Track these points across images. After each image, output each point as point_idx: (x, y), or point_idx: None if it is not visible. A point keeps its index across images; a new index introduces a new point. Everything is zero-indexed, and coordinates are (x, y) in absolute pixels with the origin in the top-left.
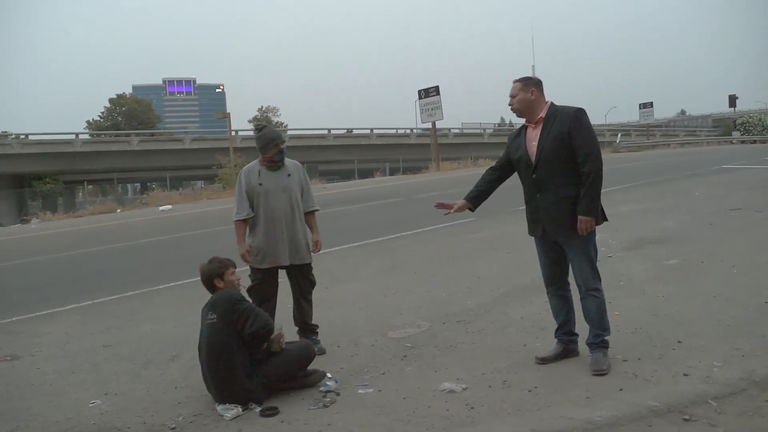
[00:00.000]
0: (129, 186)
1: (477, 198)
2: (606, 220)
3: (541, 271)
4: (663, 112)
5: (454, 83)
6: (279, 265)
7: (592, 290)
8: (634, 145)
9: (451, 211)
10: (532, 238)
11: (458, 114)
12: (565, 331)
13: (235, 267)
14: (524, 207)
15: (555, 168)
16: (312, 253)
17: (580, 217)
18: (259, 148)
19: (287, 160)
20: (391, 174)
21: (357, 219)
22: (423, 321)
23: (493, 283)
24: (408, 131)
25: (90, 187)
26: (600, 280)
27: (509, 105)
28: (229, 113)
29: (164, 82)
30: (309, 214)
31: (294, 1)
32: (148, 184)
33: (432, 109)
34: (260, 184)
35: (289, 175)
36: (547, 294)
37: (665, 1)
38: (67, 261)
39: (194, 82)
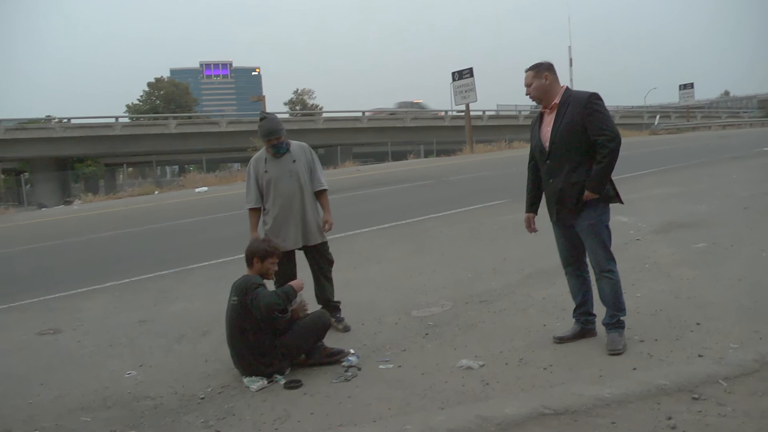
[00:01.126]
0: (168, 168)
1: (534, 205)
2: (622, 202)
3: (558, 252)
4: (706, 93)
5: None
6: (291, 247)
7: (606, 272)
8: (674, 128)
9: (534, 230)
10: (547, 220)
11: (494, 95)
12: (583, 311)
13: (279, 257)
14: None
15: (567, 154)
16: (324, 232)
17: (586, 192)
18: (259, 136)
19: (294, 143)
20: (426, 156)
21: (388, 201)
22: (446, 301)
23: (518, 264)
24: (443, 113)
25: (130, 169)
26: (614, 261)
27: (526, 94)
28: (264, 96)
29: (201, 65)
30: (319, 194)
31: None
32: (186, 166)
33: (466, 92)
34: (266, 172)
35: (294, 160)
36: (565, 274)
37: None
38: (106, 241)
39: (230, 65)
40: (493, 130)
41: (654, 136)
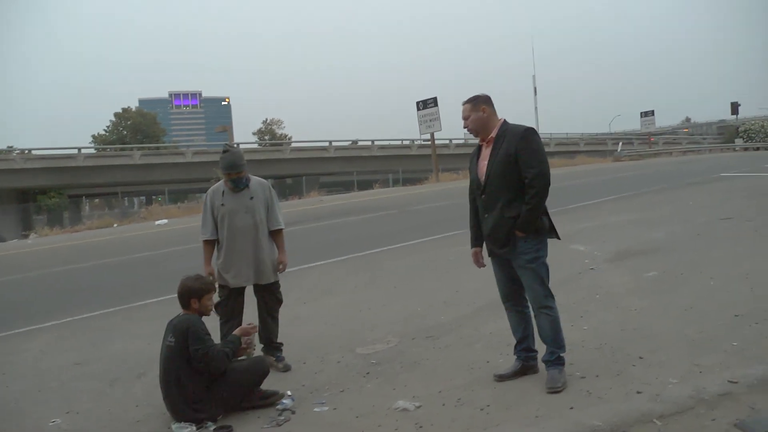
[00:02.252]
0: (135, 199)
1: (479, 239)
2: (558, 237)
3: (498, 287)
4: (667, 120)
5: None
6: (242, 284)
7: (544, 308)
8: (636, 154)
9: (482, 265)
10: None
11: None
12: (524, 348)
13: (215, 291)
14: None
15: (502, 188)
16: (278, 272)
17: (516, 231)
18: (220, 168)
19: (254, 179)
20: (393, 185)
21: (347, 232)
22: (393, 337)
23: (470, 297)
24: (409, 142)
25: (96, 200)
26: (552, 297)
27: (464, 127)
28: (229, 126)
29: (170, 95)
30: (275, 233)
31: (293, 10)
32: (153, 197)
33: (431, 121)
34: (222, 205)
35: (251, 197)
36: (505, 310)
37: (665, 11)
38: (55, 276)
39: (200, 95)
40: (461, 158)
41: (617, 163)
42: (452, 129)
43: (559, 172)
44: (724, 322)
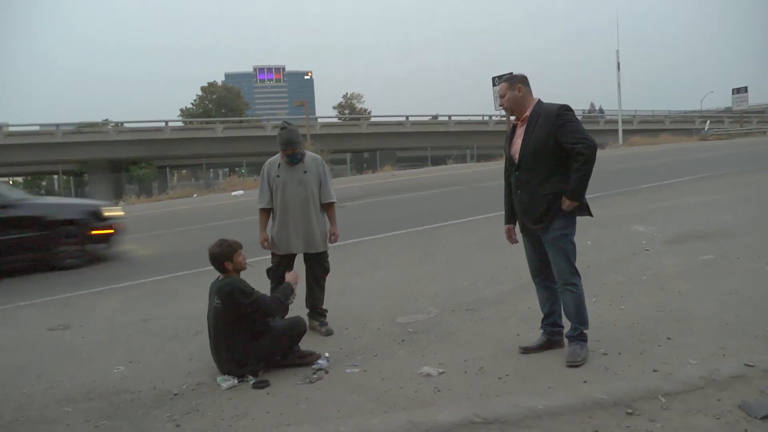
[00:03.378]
0: (220, 171)
1: (513, 216)
2: (591, 215)
3: (528, 262)
4: (764, 97)
5: (545, 68)
6: (291, 252)
7: (569, 285)
8: (725, 133)
9: (514, 241)
10: (576, 231)
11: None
12: (550, 322)
13: (242, 248)
14: None
15: (536, 167)
16: (330, 243)
17: (564, 197)
18: (278, 143)
19: (308, 154)
20: (471, 161)
21: (413, 207)
22: (434, 308)
23: (516, 273)
24: (487, 118)
25: (183, 171)
26: (578, 275)
27: (500, 105)
28: (307, 101)
29: (255, 69)
30: (327, 206)
31: None
32: (237, 168)
33: None
34: (278, 176)
35: (305, 171)
36: (535, 285)
37: None
38: (135, 243)
39: (283, 69)
40: None
41: (703, 142)
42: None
43: (637, 151)
44: (764, 308)
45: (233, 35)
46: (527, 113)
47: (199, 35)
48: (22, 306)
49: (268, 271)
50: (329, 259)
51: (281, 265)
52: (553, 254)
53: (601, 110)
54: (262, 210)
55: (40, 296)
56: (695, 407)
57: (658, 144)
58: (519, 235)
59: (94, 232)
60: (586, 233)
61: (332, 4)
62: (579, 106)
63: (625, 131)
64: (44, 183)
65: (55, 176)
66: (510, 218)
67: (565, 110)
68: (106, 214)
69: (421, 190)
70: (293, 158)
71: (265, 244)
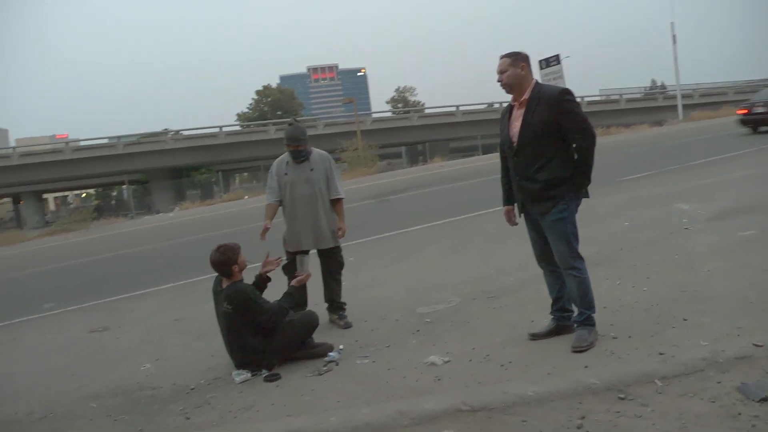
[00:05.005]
0: None
1: (511, 198)
2: (587, 196)
3: (532, 248)
4: None
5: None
6: (301, 249)
7: (571, 269)
8: None
9: (514, 224)
10: (616, 213)
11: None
12: (558, 308)
13: (240, 248)
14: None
15: (536, 153)
16: (338, 238)
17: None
18: (284, 140)
19: (315, 152)
20: None
21: (453, 197)
22: (456, 297)
23: None
24: None
25: (245, 174)
26: (581, 258)
27: (498, 80)
28: (354, 98)
29: (308, 70)
30: (335, 202)
31: None
32: None
33: (554, 79)
34: (286, 174)
35: (311, 169)
36: (542, 270)
37: None
38: (179, 246)
39: (336, 67)
40: (592, 116)
41: None
42: (591, 85)
43: (695, 126)
44: None
45: (287, 39)
46: (526, 96)
47: (254, 43)
48: (70, 310)
49: (284, 268)
50: (343, 253)
51: (293, 261)
52: (553, 238)
53: (663, 86)
54: (269, 205)
55: (88, 300)
56: (691, 390)
57: (719, 117)
58: (519, 219)
59: None
60: (625, 214)
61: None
62: (638, 83)
63: (685, 106)
64: (114, 193)
65: (124, 186)
66: (508, 200)
67: (567, 95)
68: None
69: (465, 180)
70: (298, 155)
71: (263, 235)
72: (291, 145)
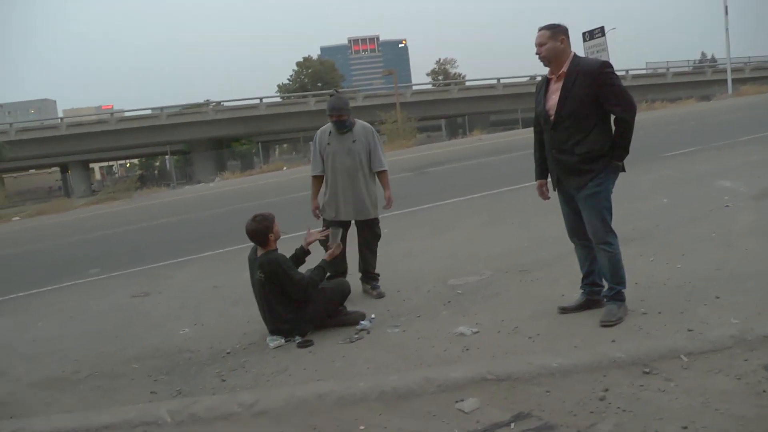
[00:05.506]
0: None
1: (544, 172)
2: (623, 170)
3: (564, 222)
4: None
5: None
6: (340, 219)
7: (603, 243)
8: None
9: (547, 198)
10: (655, 189)
11: (649, 53)
12: (589, 282)
13: (274, 217)
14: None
15: (574, 126)
16: (385, 208)
17: (613, 161)
18: (327, 111)
19: (358, 123)
20: None
21: (491, 170)
22: (488, 270)
23: None
24: None
25: (285, 145)
26: (613, 233)
27: (537, 53)
28: (395, 70)
29: (349, 41)
30: (380, 174)
31: None
32: None
33: (598, 52)
34: (329, 144)
35: (354, 140)
36: (573, 245)
37: None
38: (220, 216)
39: (377, 39)
40: (637, 89)
41: None
42: (638, 58)
43: (745, 101)
44: None
45: (328, 9)
46: (564, 69)
47: (295, 13)
48: (114, 276)
49: (322, 241)
50: (380, 225)
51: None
52: (587, 213)
53: (713, 59)
54: (315, 177)
55: (131, 267)
56: (717, 367)
57: None
58: (552, 193)
59: None
60: (666, 191)
61: None
62: (688, 56)
63: (735, 80)
64: (157, 163)
65: (166, 156)
66: (542, 174)
67: (607, 68)
68: None
69: (506, 152)
70: (341, 126)
71: (316, 212)
72: (334, 115)
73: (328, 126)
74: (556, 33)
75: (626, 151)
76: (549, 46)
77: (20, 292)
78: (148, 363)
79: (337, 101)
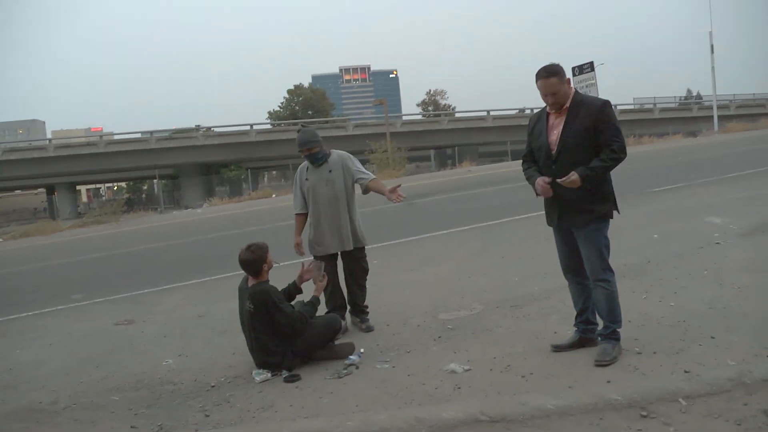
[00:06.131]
0: None
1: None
2: (618, 212)
3: (559, 258)
4: None
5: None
6: (328, 253)
7: (600, 281)
8: None
9: (551, 192)
10: (645, 224)
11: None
12: (583, 320)
13: (268, 247)
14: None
15: (575, 161)
16: (396, 201)
17: (574, 172)
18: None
19: (333, 153)
20: None
21: (480, 202)
22: (479, 304)
23: None
24: None
25: (274, 172)
26: (611, 271)
27: (548, 101)
28: (385, 100)
29: (341, 70)
30: (371, 184)
31: None
32: None
33: (586, 86)
34: (307, 180)
35: (330, 171)
36: (567, 282)
37: None
38: (207, 242)
39: (369, 69)
40: (625, 125)
41: None
42: (625, 94)
43: (731, 138)
44: None
45: (320, 38)
46: (567, 104)
47: (288, 41)
48: (97, 302)
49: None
50: (368, 258)
51: (326, 267)
52: (586, 249)
53: (699, 96)
54: (298, 215)
55: (115, 293)
56: (716, 411)
57: (758, 129)
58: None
59: None
60: (654, 226)
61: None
62: (674, 93)
63: (721, 117)
64: (145, 187)
65: (155, 180)
66: (540, 174)
67: (608, 106)
68: None
69: (496, 185)
70: (314, 159)
71: (297, 249)
72: (304, 150)
73: (306, 162)
74: (562, 77)
75: (599, 176)
76: (562, 92)
77: None
78: (130, 395)
79: (304, 135)
